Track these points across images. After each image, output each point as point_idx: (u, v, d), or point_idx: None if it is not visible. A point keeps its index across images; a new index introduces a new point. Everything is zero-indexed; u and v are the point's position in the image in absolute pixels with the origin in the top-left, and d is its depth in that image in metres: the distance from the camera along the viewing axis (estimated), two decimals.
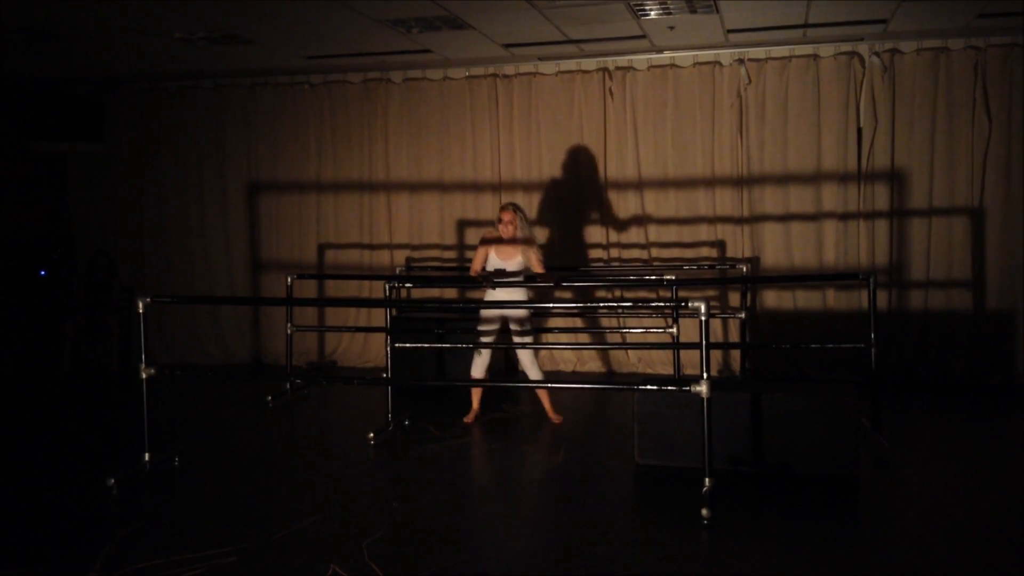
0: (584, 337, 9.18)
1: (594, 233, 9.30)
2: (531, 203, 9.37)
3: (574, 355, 9.32)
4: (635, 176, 9.15)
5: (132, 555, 4.28)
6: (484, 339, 7.11)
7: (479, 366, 7.04)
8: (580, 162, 9.28)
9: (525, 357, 7.00)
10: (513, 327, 7.01)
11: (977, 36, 8.26)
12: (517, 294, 6.89)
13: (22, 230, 9.93)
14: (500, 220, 6.93)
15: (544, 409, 7.13)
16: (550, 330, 8.79)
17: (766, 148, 8.83)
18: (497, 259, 6.91)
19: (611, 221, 9.24)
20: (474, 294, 9.63)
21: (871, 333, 6.21)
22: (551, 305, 7.69)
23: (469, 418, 7.13)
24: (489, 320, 7.07)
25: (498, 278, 6.87)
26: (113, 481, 5.33)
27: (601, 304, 8.92)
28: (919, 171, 8.52)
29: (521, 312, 6.90)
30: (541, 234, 9.24)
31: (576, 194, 9.31)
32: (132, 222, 10.39)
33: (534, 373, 7.01)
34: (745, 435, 5.44)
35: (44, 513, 5.05)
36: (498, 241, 6.93)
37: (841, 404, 5.34)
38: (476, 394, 7.24)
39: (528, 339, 7.07)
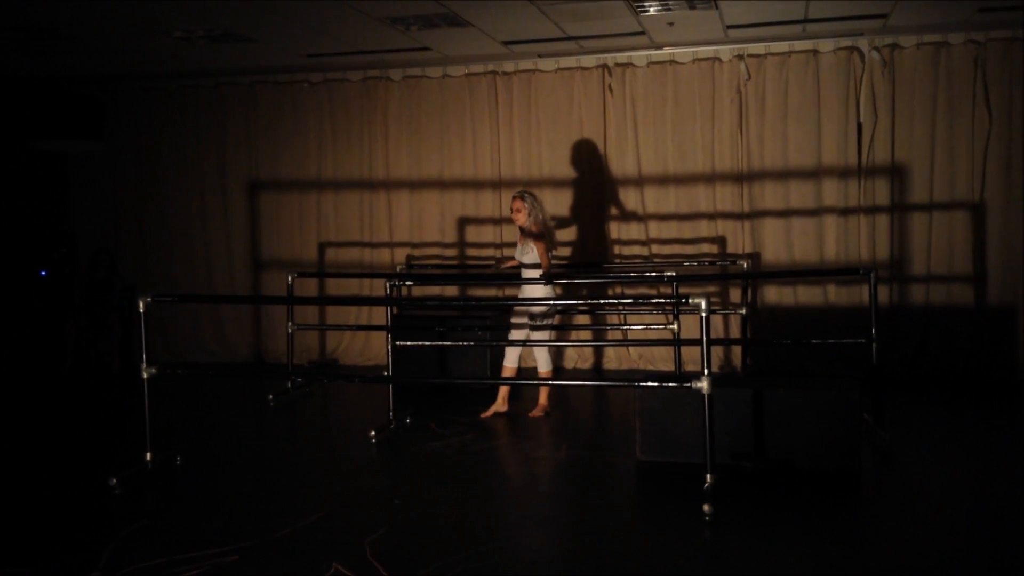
0: (585, 333, 9.18)
1: (594, 230, 9.29)
2: None
3: (575, 351, 9.32)
4: (635, 172, 9.14)
5: (135, 554, 4.29)
6: (515, 331, 7.14)
7: (511, 357, 7.11)
8: (580, 159, 9.27)
9: (535, 349, 7.15)
10: (525, 320, 7.09)
11: (977, 30, 8.25)
12: (528, 289, 6.93)
13: (23, 229, 9.92)
14: (512, 209, 7.00)
15: (538, 400, 7.23)
16: (552, 327, 8.76)
17: (766, 144, 8.83)
18: (518, 248, 7.08)
19: (611, 217, 9.23)
20: (474, 292, 9.64)
21: (872, 328, 6.21)
22: (552, 301, 7.68)
23: (488, 413, 7.16)
24: (516, 313, 7.15)
25: (515, 269, 7.15)
26: (115, 480, 5.34)
27: (602, 301, 8.92)
28: (919, 166, 8.52)
29: (536, 307, 6.91)
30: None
31: (576, 191, 9.30)
32: (133, 221, 10.40)
33: (542, 364, 7.14)
34: (747, 431, 5.44)
35: (47, 512, 5.06)
36: (522, 232, 7.02)
37: (842, 399, 5.33)
38: (503, 391, 7.28)
39: (543, 334, 7.12)
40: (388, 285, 7.23)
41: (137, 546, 4.42)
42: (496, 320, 8.26)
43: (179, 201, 10.30)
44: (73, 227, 10.42)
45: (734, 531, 4.50)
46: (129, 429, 6.79)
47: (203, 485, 5.57)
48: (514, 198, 7.03)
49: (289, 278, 8.13)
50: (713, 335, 8.16)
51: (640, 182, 9.13)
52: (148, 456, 5.64)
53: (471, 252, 9.64)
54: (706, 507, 4.60)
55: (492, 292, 9.52)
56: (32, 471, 6.00)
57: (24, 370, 9.59)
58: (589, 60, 9.20)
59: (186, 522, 4.83)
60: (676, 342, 7.70)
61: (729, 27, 8.05)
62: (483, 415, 7.15)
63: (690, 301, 4.85)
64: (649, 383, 5.38)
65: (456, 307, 9.11)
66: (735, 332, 8.94)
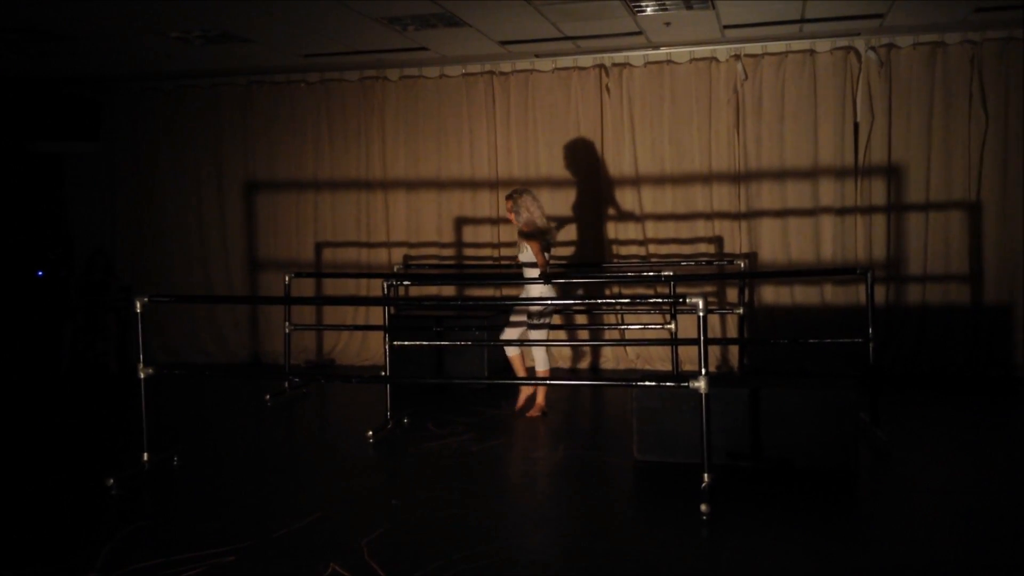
0: (582, 333, 9.18)
1: (592, 230, 9.30)
2: None
3: (572, 351, 9.31)
4: (632, 172, 9.15)
5: (132, 555, 4.28)
6: (509, 329, 7.24)
7: (512, 350, 7.23)
8: (577, 159, 9.28)
9: (533, 349, 7.25)
10: (522, 319, 7.14)
11: (974, 30, 8.26)
12: (525, 288, 6.98)
13: (19, 230, 9.91)
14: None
15: (535, 400, 7.25)
16: (549, 326, 8.77)
17: (763, 144, 8.83)
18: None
19: (608, 217, 9.24)
20: (472, 292, 9.64)
21: (869, 327, 6.21)
22: (548, 301, 7.68)
23: (520, 405, 7.31)
24: (514, 312, 7.27)
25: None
26: (112, 481, 5.33)
27: (599, 300, 8.92)
28: (916, 165, 8.53)
29: (534, 306, 6.92)
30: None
31: (573, 191, 9.30)
32: (129, 221, 10.38)
33: (539, 364, 7.19)
34: (744, 430, 5.45)
35: (44, 513, 5.06)
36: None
37: (839, 399, 5.34)
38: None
39: (540, 333, 7.17)
40: (385, 285, 7.22)
41: (134, 547, 4.41)
42: (493, 320, 8.26)
43: (176, 202, 10.29)
44: (69, 228, 10.41)
45: (731, 530, 4.50)
46: (126, 430, 6.77)
47: (200, 486, 5.57)
48: (505, 199, 7.05)
49: (286, 278, 8.13)
50: (710, 335, 8.16)
51: (637, 182, 9.14)
52: (145, 457, 5.63)
53: (468, 252, 9.64)
54: (703, 507, 4.60)
55: (489, 292, 9.52)
56: (29, 472, 5.99)
57: (21, 371, 9.58)
58: (586, 60, 9.20)
59: (183, 523, 4.83)
60: (673, 342, 7.71)
61: (726, 27, 8.06)
62: (528, 413, 7.18)
63: (687, 301, 4.85)
64: (646, 383, 5.38)
65: (453, 307, 9.11)
66: (732, 332, 8.94)
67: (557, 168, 9.33)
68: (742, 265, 8.48)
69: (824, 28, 8.20)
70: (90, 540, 4.52)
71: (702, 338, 4.80)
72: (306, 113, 9.93)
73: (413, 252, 9.77)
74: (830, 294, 8.72)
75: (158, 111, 10.25)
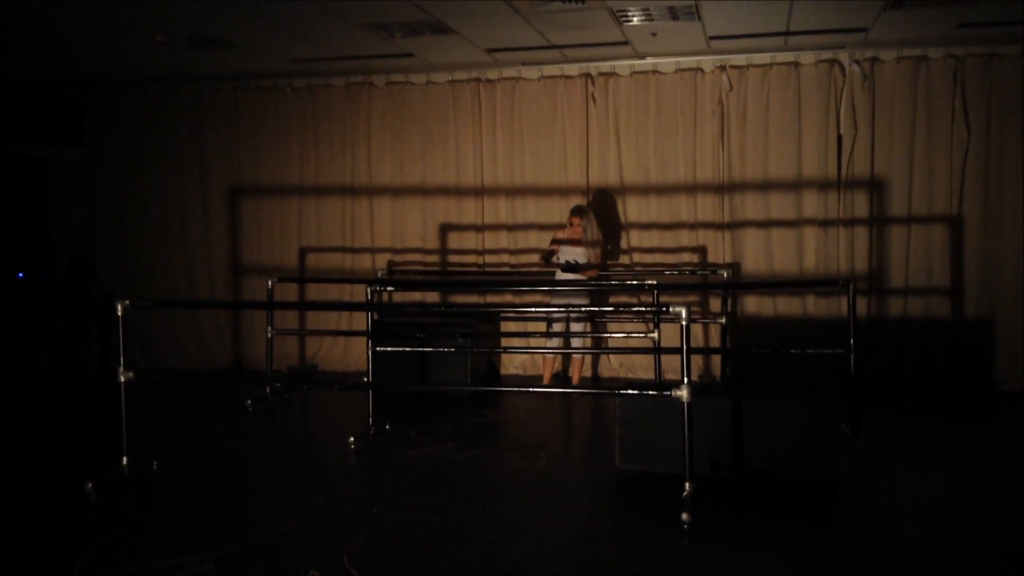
0: (566, 341, 9.17)
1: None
2: (513, 208, 9.40)
3: (555, 359, 9.31)
4: (617, 181, 9.17)
5: (110, 561, 4.25)
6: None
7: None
8: (562, 167, 9.29)
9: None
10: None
11: (957, 45, 8.33)
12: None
13: (0, 232, 9.84)
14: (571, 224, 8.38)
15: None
16: (532, 334, 8.79)
17: (747, 155, 8.87)
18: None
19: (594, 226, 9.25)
20: (455, 298, 9.63)
21: (851, 339, 6.24)
22: (533, 309, 7.70)
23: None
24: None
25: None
26: (91, 486, 5.28)
27: (583, 308, 8.91)
28: (898, 179, 8.59)
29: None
30: (523, 239, 9.32)
31: (558, 199, 9.31)
32: (112, 225, 10.33)
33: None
34: (726, 440, 5.46)
35: (21, 519, 5.01)
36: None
37: (821, 410, 5.36)
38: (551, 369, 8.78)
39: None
40: (369, 291, 7.20)
41: (112, 553, 4.38)
42: (477, 327, 8.25)
43: (159, 206, 10.24)
44: (51, 232, 10.34)
45: (712, 540, 4.51)
46: (106, 435, 6.74)
47: (180, 492, 5.53)
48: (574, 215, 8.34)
49: (269, 283, 8.10)
50: (693, 344, 8.19)
51: (622, 191, 9.16)
52: (124, 462, 5.59)
53: (453, 259, 9.63)
54: (684, 516, 4.61)
55: (473, 299, 9.52)
56: (6, 476, 5.94)
57: (0, 374, 9.49)
58: (572, 69, 9.22)
59: (162, 529, 4.80)
60: (656, 351, 7.72)
61: (712, 38, 8.10)
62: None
63: (670, 310, 4.87)
64: (629, 391, 5.40)
65: (437, 313, 9.10)
66: (715, 342, 8.96)
67: (542, 176, 9.34)
68: (725, 275, 8.51)
69: (809, 41, 8.25)
70: (68, 546, 4.48)
71: (685, 347, 4.81)
72: (291, 118, 9.91)
73: (397, 258, 9.75)
74: (812, 305, 8.76)
75: (143, 115, 10.20)
